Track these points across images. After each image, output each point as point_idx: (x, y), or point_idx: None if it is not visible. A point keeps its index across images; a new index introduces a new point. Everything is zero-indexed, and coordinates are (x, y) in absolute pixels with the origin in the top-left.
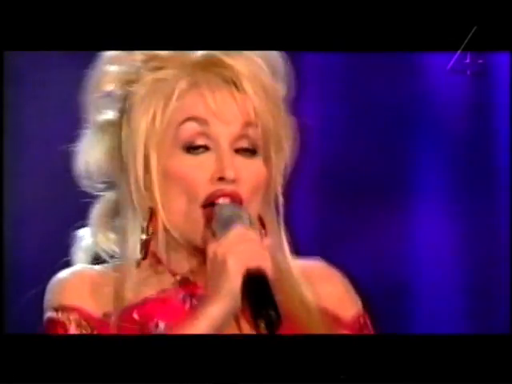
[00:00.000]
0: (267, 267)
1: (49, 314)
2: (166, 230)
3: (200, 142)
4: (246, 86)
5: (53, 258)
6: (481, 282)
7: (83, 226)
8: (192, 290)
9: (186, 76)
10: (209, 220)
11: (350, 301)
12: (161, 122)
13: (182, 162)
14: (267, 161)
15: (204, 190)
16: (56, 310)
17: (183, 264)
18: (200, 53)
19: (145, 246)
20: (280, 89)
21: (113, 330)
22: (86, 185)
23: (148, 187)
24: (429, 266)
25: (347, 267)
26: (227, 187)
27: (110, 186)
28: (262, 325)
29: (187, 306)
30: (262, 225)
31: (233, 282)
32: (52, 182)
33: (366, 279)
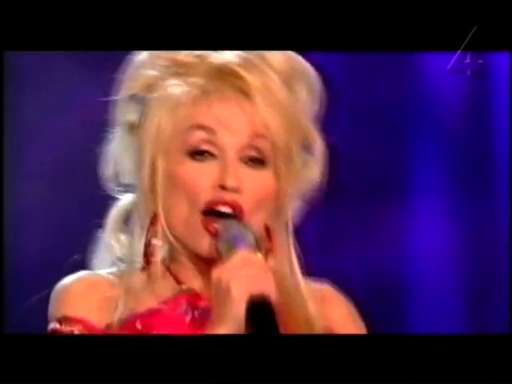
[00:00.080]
0: (271, 293)
1: (52, 325)
2: (166, 235)
3: (205, 147)
4: (257, 98)
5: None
6: (481, 282)
7: (100, 226)
8: (195, 302)
9: (200, 84)
10: (207, 228)
11: (354, 325)
12: (169, 128)
13: (187, 168)
14: (276, 173)
15: (205, 197)
16: (59, 321)
17: (187, 273)
18: (218, 61)
19: (147, 251)
20: (304, 104)
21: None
22: (109, 186)
23: (153, 191)
24: (429, 266)
25: (347, 267)
26: (228, 196)
27: (130, 188)
28: None
29: (188, 318)
30: (269, 236)
31: (237, 309)
32: (52, 181)
33: (366, 279)
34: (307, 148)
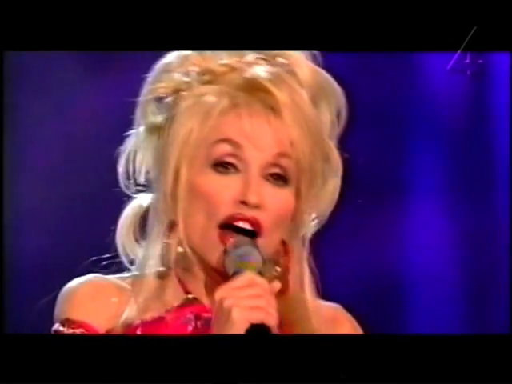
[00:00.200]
0: (271, 322)
1: (56, 327)
2: (182, 244)
3: (230, 160)
4: (286, 115)
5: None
6: (481, 282)
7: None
8: (200, 313)
9: (229, 95)
10: (223, 242)
11: None
12: (196, 138)
13: (210, 180)
14: (297, 193)
15: (225, 211)
16: (63, 324)
17: (197, 283)
18: (247, 75)
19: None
20: (327, 123)
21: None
22: (124, 184)
23: (174, 199)
24: (429, 265)
25: (346, 267)
26: (248, 212)
27: (147, 189)
28: None
29: (191, 328)
30: (286, 251)
31: (235, 332)
32: (52, 181)
33: (366, 279)
34: (327, 167)
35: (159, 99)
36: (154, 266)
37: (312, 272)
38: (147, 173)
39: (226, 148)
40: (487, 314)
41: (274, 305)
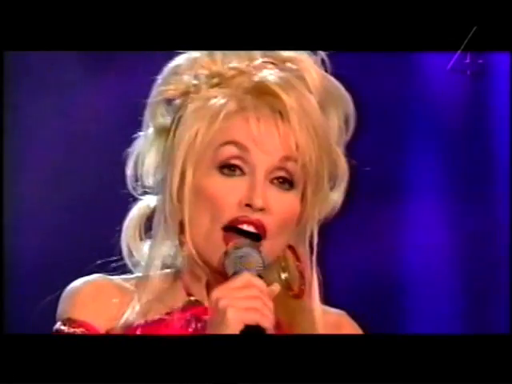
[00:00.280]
0: (266, 324)
1: (57, 326)
2: (187, 246)
3: (236, 163)
4: (293, 119)
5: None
6: (481, 283)
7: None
8: (200, 315)
9: (237, 98)
10: (228, 244)
11: None
12: (202, 140)
13: (215, 183)
14: (303, 197)
15: (230, 213)
16: (64, 323)
17: (200, 285)
18: (256, 78)
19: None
20: (334, 130)
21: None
22: (132, 186)
23: (180, 201)
24: (429, 266)
25: (345, 267)
26: (253, 215)
27: (153, 191)
28: None
29: (191, 330)
30: (297, 257)
31: (230, 332)
32: (52, 181)
33: (365, 279)
34: (333, 174)
35: (168, 101)
36: (158, 267)
37: (317, 277)
38: (155, 175)
39: (232, 150)
40: (487, 314)
41: (271, 307)
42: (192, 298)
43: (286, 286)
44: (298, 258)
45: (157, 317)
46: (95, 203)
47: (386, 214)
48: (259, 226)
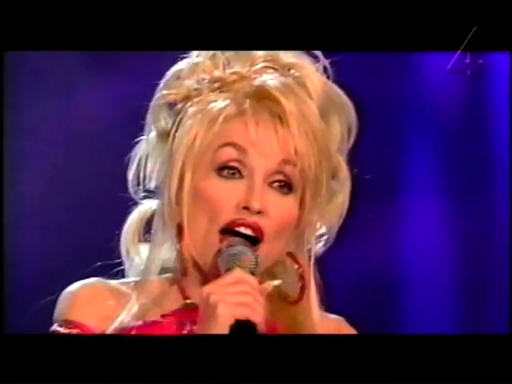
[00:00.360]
0: (256, 319)
1: (54, 327)
2: (184, 249)
3: (234, 165)
4: (292, 124)
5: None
6: (480, 282)
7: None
8: (195, 317)
9: (236, 102)
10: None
11: None
12: (201, 143)
13: (213, 185)
14: (302, 201)
15: (227, 216)
16: (61, 324)
17: (196, 289)
18: (256, 82)
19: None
20: (336, 137)
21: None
22: (134, 190)
23: (179, 203)
24: (428, 265)
25: (344, 267)
26: (250, 218)
27: (154, 195)
28: None
29: (185, 331)
30: (297, 262)
31: (220, 328)
32: (52, 181)
33: (365, 279)
34: (335, 180)
35: (170, 105)
36: (156, 270)
37: (317, 283)
38: (156, 179)
39: (230, 152)
40: (487, 314)
41: (262, 303)
42: (188, 301)
43: (283, 291)
44: (297, 263)
45: (152, 319)
46: (95, 203)
47: (386, 214)
48: (256, 228)
